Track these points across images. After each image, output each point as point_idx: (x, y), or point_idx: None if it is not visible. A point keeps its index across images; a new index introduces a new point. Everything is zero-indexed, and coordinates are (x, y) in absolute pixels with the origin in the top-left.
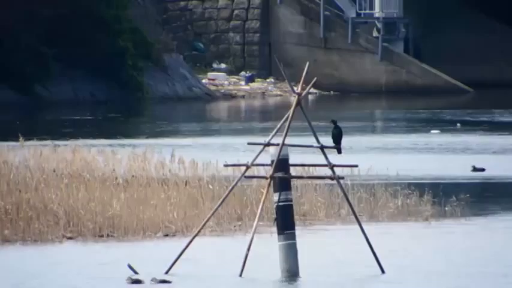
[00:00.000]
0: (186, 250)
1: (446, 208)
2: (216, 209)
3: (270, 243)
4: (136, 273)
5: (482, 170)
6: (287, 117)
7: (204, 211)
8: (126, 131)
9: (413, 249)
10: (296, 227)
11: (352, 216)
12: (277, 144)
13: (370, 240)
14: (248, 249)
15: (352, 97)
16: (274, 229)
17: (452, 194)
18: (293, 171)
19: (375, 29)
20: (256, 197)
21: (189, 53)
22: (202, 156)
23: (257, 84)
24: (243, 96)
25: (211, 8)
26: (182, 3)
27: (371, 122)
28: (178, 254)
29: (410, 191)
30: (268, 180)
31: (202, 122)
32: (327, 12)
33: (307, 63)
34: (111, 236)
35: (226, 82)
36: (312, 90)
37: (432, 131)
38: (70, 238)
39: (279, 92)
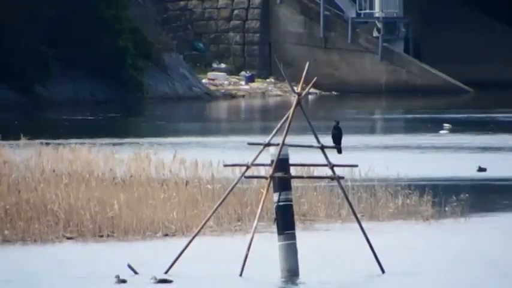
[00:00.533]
0: (186, 250)
1: (446, 208)
2: (216, 208)
3: (270, 243)
4: (136, 273)
5: (484, 170)
6: (287, 117)
7: (204, 211)
8: (126, 131)
9: (413, 249)
10: (296, 227)
11: (352, 216)
12: (277, 144)
13: (370, 240)
14: (248, 249)
15: (352, 97)
16: (274, 229)
17: (452, 194)
18: (293, 171)
19: (375, 29)
20: (256, 197)
21: (189, 53)
22: (202, 156)
23: (257, 84)
24: (243, 96)
25: (211, 7)
26: (182, 3)
27: (371, 122)
28: (178, 254)
29: (410, 191)
30: (268, 180)
31: (202, 122)
32: (327, 12)
33: (307, 63)
34: (111, 236)
35: (226, 82)
36: (312, 90)
37: (442, 131)
38: (70, 238)
39: (279, 92)
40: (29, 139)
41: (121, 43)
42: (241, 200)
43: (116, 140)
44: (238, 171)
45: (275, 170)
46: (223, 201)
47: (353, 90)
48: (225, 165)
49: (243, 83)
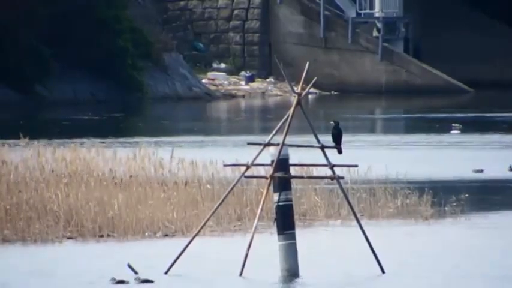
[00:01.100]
0: (186, 250)
1: (446, 208)
2: (216, 208)
3: (270, 243)
4: (136, 273)
5: (481, 171)
6: (287, 117)
7: (204, 211)
8: (125, 131)
9: (413, 249)
10: (296, 227)
11: (352, 216)
12: (277, 144)
13: (370, 240)
14: (248, 249)
15: (352, 97)
16: (274, 229)
17: (452, 194)
18: (293, 171)
19: (375, 28)
20: (256, 197)
21: (189, 53)
22: (202, 156)
23: (257, 84)
24: (243, 96)
25: (211, 7)
26: (182, 3)
27: (371, 122)
28: (178, 254)
29: (410, 191)
30: (268, 180)
31: (202, 122)
32: (327, 12)
33: (307, 63)
34: (111, 236)
35: (226, 82)
36: (312, 90)
37: (452, 131)
38: (70, 238)
39: (279, 92)
40: (28, 139)
41: (121, 43)
42: (241, 200)
43: (115, 140)
44: (238, 171)
45: (275, 170)
46: (223, 201)
47: (353, 90)
48: (225, 165)
49: (243, 83)
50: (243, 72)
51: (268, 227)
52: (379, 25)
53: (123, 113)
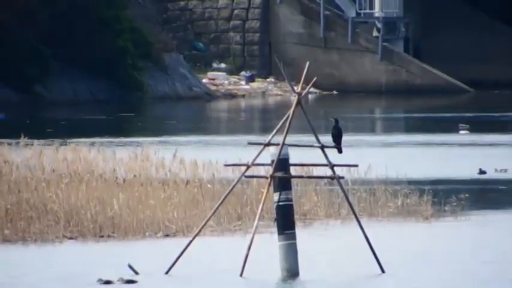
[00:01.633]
0: (187, 250)
1: (446, 207)
2: (217, 208)
3: (270, 243)
4: (136, 273)
5: (484, 172)
6: (287, 117)
7: (205, 211)
8: (126, 131)
9: (414, 248)
10: (296, 227)
11: (352, 216)
12: (278, 144)
13: (370, 239)
14: (248, 249)
15: (352, 97)
16: (275, 229)
17: (452, 194)
18: (293, 171)
19: (374, 28)
20: (257, 196)
21: (189, 53)
22: (203, 156)
23: (257, 84)
24: (243, 96)
25: (212, 7)
26: (182, 2)
27: (371, 121)
28: (179, 254)
29: (410, 191)
30: (269, 179)
31: (202, 122)
32: (327, 12)
33: (307, 63)
34: (112, 236)
35: (226, 82)
36: (312, 89)
37: (461, 131)
38: (70, 238)
39: (279, 92)
40: (29, 139)
41: (121, 43)
42: (241, 199)
43: (116, 140)
44: (238, 171)
45: (275, 170)
46: (223, 201)
47: (353, 90)
48: (225, 165)
49: (243, 82)
50: (243, 72)
51: (269, 226)
52: (379, 25)
53: (123, 112)
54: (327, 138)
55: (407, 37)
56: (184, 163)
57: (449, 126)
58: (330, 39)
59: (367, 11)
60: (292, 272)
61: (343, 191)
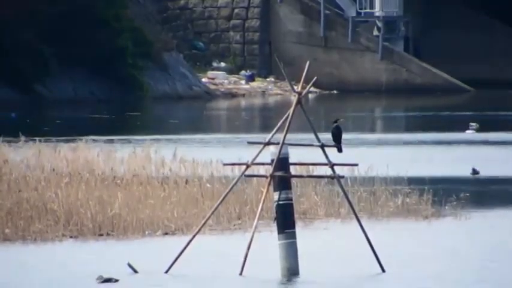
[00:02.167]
0: (186, 249)
1: (446, 207)
2: (216, 207)
3: (270, 242)
4: (136, 272)
5: (477, 172)
6: (287, 116)
7: (204, 210)
8: (125, 130)
9: (414, 248)
10: (296, 226)
11: (352, 215)
12: (277, 143)
13: (370, 239)
14: (248, 248)
15: (352, 96)
16: (274, 228)
17: (452, 193)
18: (293, 170)
19: (375, 28)
20: (256, 196)
21: (189, 52)
22: (202, 155)
23: (257, 83)
24: (243, 95)
25: (211, 6)
26: (182, 2)
27: (371, 121)
28: (178, 253)
29: (410, 190)
30: (268, 179)
31: (202, 121)
32: (327, 11)
33: (308, 62)
34: (111, 235)
35: (226, 81)
36: (312, 89)
37: (468, 131)
38: (70, 237)
39: (279, 91)
40: (29, 138)
41: (121, 42)
42: (241, 199)
43: (116, 139)
44: (238, 170)
45: (275, 169)
46: (223, 200)
47: (353, 89)
48: (225, 164)
49: (243, 82)
50: (243, 71)
51: (269, 226)
52: (379, 24)
53: (123, 112)
54: (327, 138)
55: (407, 36)
56: (184, 162)
57: (449, 126)
58: (330, 39)
59: (368, 10)
60: (292, 270)
61: (343, 190)
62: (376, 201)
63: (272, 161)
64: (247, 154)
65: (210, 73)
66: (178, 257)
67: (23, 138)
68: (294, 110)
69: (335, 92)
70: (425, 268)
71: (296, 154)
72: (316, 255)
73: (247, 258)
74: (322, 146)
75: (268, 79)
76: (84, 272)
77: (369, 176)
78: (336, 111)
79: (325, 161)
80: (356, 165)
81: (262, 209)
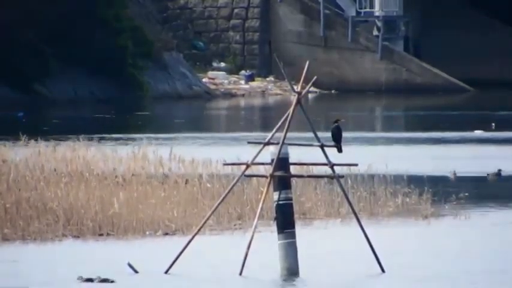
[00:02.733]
0: (186, 249)
1: (446, 207)
2: (216, 207)
3: (269, 241)
4: (136, 271)
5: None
6: (287, 116)
7: (204, 210)
8: (125, 130)
9: (413, 248)
10: (296, 226)
11: (352, 215)
12: (277, 143)
13: (370, 239)
14: (248, 248)
15: (352, 96)
16: (274, 228)
17: (452, 193)
18: (293, 170)
19: (375, 27)
20: (256, 195)
21: (189, 52)
22: (202, 155)
23: (257, 83)
24: (243, 95)
25: (211, 6)
26: (182, 1)
27: (371, 120)
28: (178, 253)
29: (410, 190)
30: (268, 179)
31: (202, 121)
32: (327, 11)
33: (307, 62)
34: (111, 234)
35: (226, 81)
36: (312, 89)
37: (476, 131)
38: (70, 237)
39: (279, 91)
40: (28, 138)
41: (121, 42)
42: (241, 198)
43: (115, 139)
44: (238, 169)
45: (275, 169)
46: (223, 200)
47: (353, 89)
48: (225, 164)
49: (242, 81)
50: (242, 71)
51: (268, 225)
52: (379, 24)
53: (123, 111)
54: (327, 137)
55: (407, 36)
56: (184, 162)
57: (450, 126)
58: (330, 38)
59: (367, 10)
60: (291, 270)
61: (343, 190)
62: (376, 201)
63: (272, 160)
64: (247, 154)
65: (210, 73)
66: (178, 257)
67: (22, 137)
68: (293, 110)
69: (335, 91)
70: (425, 268)
71: (296, 154)
72: (316, 255)
73: (247, 258)
74: (322, 146)
75: (268, 79)
76: (83, 272)
77: (368, 176)
78: (335, 111)
79: (325, 161)
80: (356, 165)
81: (262, 209)
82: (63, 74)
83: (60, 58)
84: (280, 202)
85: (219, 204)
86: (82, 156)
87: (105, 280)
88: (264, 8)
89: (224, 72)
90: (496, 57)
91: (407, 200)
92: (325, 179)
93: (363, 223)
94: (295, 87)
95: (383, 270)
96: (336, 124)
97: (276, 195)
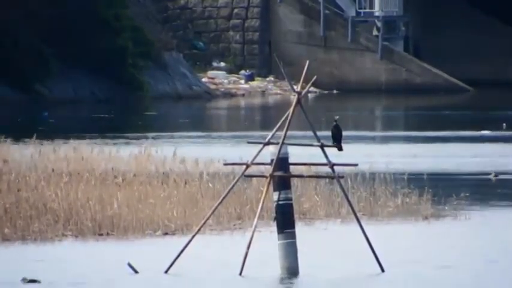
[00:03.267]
0: (186, 248)
1: (446, 207)
2: (216, 207)
3: (269, 241)
4: (136, 271)
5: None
6: (287, 116)
7: (204, 209)
8: (126, 130)
9: (413, 248)
10: (296, 226)
11: (352, 215)
12: (277, 143)
13: (370, 239)
14: (248, 248)
15: (352, 96)
16: (274, 228)
17: (452, 193)
18: (293, 170)
19: (374, 27)
20: (256, 195)
21: (189, 52)
22: (202, 155)
23: (257, 83)
24: (243, 95)
25: (211, 6)
26: (182, 1)
27: (371, 120)
28: (178, 253)
29: (410, 190)
30: (268, 179)
31: (202, 121)
32: (327, 11)
33: (307, 62)
34: (111, 234)
35: (226, 81)
36: (312, 89)
37: (483, 131)
38: (70, 237)
39: (278, 91)
40: (28, 138)
41: (121, 42)
42: (241, 198)
43: (115, 139)
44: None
45: (275, 169)
46: (223, 199)
47: (353, 89)
48: (225, 164)
49: (242, 81)
50: (242, 71)
51: (268, 225)
52: (379, 24)
53: (123, 111)
54: (327, 136)
55: (407, 36)
56: (184, 162)
57: (449, 125)
58: (330, 38)
59: (367, 10)
60: (291, 270)
61: (343, 190)
62: (376, 201)
63: (272, 160)
64: (247, 154)
65: (210, 72)
66: (178, 257)
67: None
68: (293, 110)
69: (335, 91)
70: (425, 268)
71: (296, 154)
72: (315, 255)
73: (247, 258)
74: (322, 146)
75: (267, 79)
76: (83, 271)
77: (368, 176)
78: (335, 110)
79: (325, 160)
80: (356, 165)
81: (262, 209)
82: (63, 74)
83: (60, 58)
84: (280, 202)
85: (219, 204)
86: (82, 156)
87: (32, 281)
88: (264, 8)
89: (224, 72)
90: (496, 57)
91: (408, 200)
92: (326, 179)
93: (363, 223)
94: (295, 87)
95: (383, 270)
96: (336, 123)
97: (276, 195)
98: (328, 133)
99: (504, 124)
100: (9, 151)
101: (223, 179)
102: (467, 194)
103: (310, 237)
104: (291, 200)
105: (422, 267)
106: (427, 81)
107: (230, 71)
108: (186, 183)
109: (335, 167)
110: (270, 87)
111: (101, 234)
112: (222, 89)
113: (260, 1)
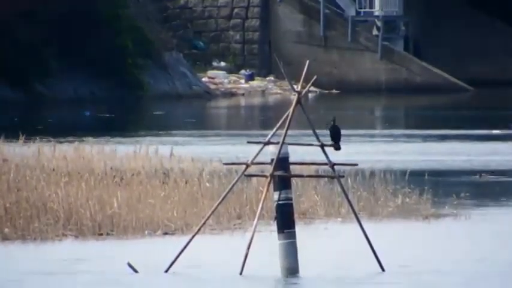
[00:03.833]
0: (186, 248)
1: (446, 207)
2: (216, 207)
3: (269, 241)
4: (136, 271)
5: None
6: (287, 116)
7: (204, 209)
8: (125, 129)
9: (413, 248)
10: (296, 226)
11: (352, 215)
12: (277, 143)
13: (370, 238)
14: (248, 248)
15: (352, 95)
16: (274, 227)
17: (452, 193)
18: (293, 169)
19: (374, 27)
20: (256, 195)
21: (189, 51)
22: (202, 155)
23: (257, 83)
24: (243, 95)
25: (211, 6)
26: (182, 1)
27: (371, 120)
28: (178, 253)
29: (410, 190)
30: (268, 178)
31: (202, 120)
32: (327, 11)
33: (307, 62)
34: (111, 234)
35: (226, 80)
36: (312, 88)
37: (494, 131)
38: (70, 236)
39: (278, 91)
40: (28, 137)
41: (121, 42)
42: (241, 198)
43: (115, 139)
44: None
45: (275, 169)
46: (223, 199)
47: (353, 89)
48: (225, 164)
49: (242, 81)
50: (242, 71)
51: (268, 225)
52: (379, 24)
53: (122, 111)
54: (327, 137)
55: (407, 36)
56: (184, 162)
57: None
58: (330, 38)
59: (367, 9)
60: (292, 270)
61: (343, 190)
62: (376, 201)
63: (272, 160)
64: (247, 153)
65: (210, 72)
66: (178, 257)
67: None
68: (293, 110)
69: (335, 91)
70: (425, 268)
71: (296, 154)
72: (316, 255)
73: (247, 258)
74: (322, 146)
75: (267, 78)
76: (83, 271)
77: (368, 176)
78: (335, 110)
79: (325, 160)
80: (356, 165)
81: (262, 209)
82: (63, 74)
83: (60, 58)
84: (280, 202)
85: (218, 204)
86: (82, 156)
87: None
88: (264, 7)
89: (224, 72)
90: (496, 57)
91: (408, 200)
92: (326, 179)
93: (363, 223)
94: (295, 86)
95: (383, 270)
96: (333, 123)
97: (276, 195)
98: (328, 136)
99: (511, 124)
100: (9, 151)
101: (223, 179)
102: (468, 194)
103: (310, 237)
104: (291, 199)
105: (422, 267)
106: (427, 80)
107: (230, 71)
108: (186, 182)
109: (335, 167)
110: (270, 86)
111: (101, 234)
112: (222, 89)
113: (260, 1)
